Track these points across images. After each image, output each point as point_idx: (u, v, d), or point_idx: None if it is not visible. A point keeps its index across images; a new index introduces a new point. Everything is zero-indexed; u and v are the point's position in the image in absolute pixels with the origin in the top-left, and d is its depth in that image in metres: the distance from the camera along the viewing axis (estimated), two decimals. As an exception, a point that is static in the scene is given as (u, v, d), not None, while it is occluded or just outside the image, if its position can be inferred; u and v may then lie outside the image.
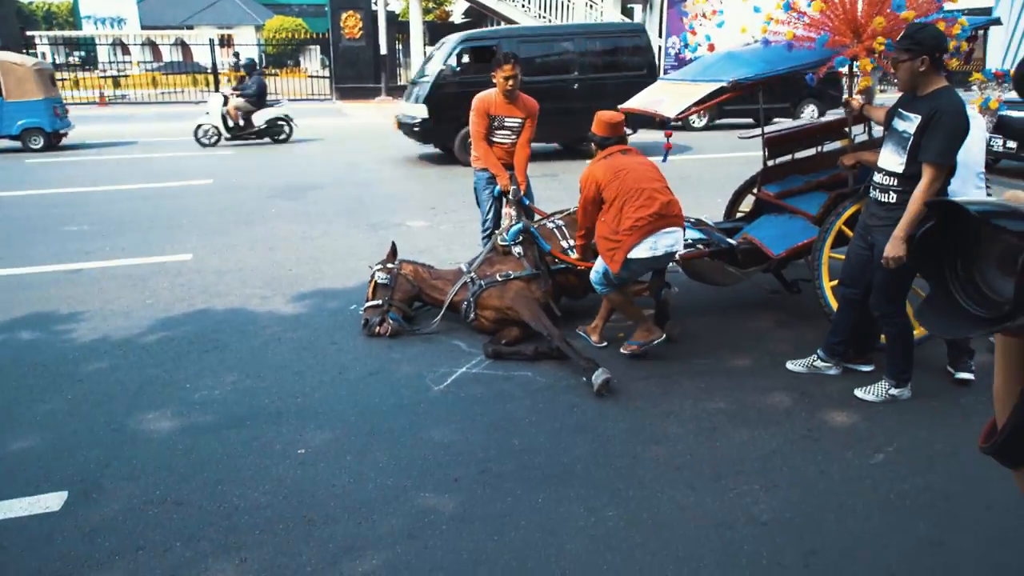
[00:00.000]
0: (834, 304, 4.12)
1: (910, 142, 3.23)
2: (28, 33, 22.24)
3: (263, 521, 2.73)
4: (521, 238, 4.51)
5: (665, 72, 19.58)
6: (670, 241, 3.86)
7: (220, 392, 3.73)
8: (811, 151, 5.24)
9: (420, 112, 10.70)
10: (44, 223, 7.25)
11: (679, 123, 11.60)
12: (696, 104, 4.18)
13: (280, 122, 13.05)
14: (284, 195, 8.69)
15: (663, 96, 4.48)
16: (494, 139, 5.03)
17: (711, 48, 4.66)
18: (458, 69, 10.72)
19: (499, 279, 4.39)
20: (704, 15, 4.75)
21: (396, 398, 3.68)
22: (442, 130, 10.71)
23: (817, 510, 2.80)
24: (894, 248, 3.24)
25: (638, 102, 4.68)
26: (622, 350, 4.17)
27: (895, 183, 3.32)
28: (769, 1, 4.09)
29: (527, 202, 5.00)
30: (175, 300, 5.07)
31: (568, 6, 19.25)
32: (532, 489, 2.93)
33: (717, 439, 3.30)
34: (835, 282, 4.15)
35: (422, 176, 10.30)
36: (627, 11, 21.67)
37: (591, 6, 19.41)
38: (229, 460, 3.13)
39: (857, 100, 4.10)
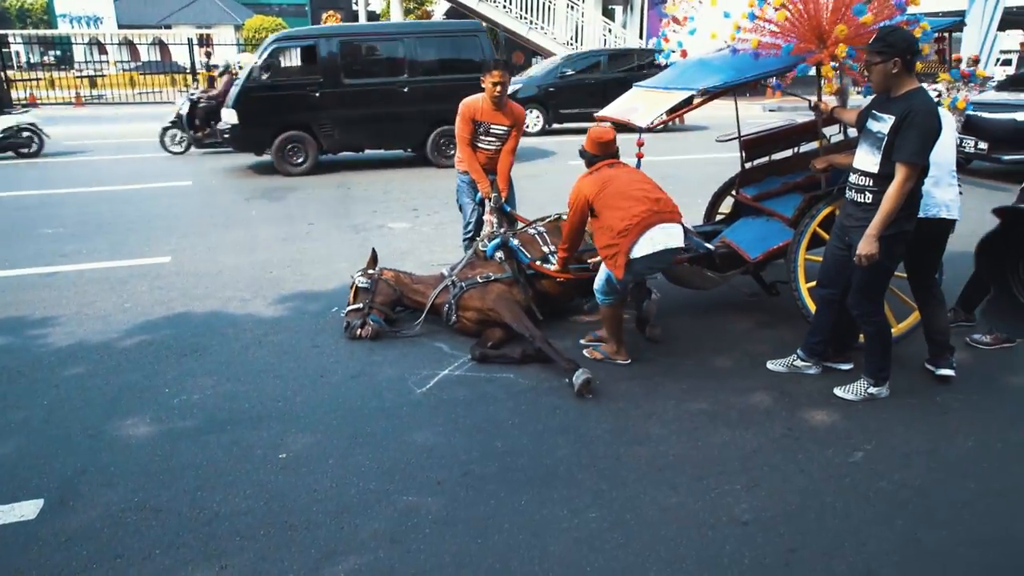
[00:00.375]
0: (811, 305, 4.17)
1: (884, 142, 3.27)
2: (1, 32, 21.83)
3: (244, 527, 2.70)
4: (500, 252, 4.52)
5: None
6: (668, 235, 3.81)
7: (200, 397, 3.70)
8: (788, 152, 5.29)
9: (230, 118, 9.85)
10: (19, 225, 7.13)
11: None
12: (668, 112, 4.23)
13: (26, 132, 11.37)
14: (265, 196, 8.62)
15: (637, 104, 4.51)
16: (479, 145, 4.98)
17: (683, 54, 4.70)
18: (267, 73, 9.73)
19: (480, 281, 4.39)
20: (676, 20, 4.78)
21: (378, 401, 3.66)
22: (255, 137, 10.01)
23: (797, 509, 2.83)
24: (867, 246, 3.28)
25: (613, 110, 4.71)
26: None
27: (870, 183, 3.36)
28: (739, 7, 4.13)
29: (508, 209, 4.99)
30: (154, 303, 5.01)
31: (549, 7, 19.29)
32: (515, 491, 2.93)
33: (699, 439, 3.33)
34: (812, 283, 4.20)
35: (404, 178, 10.26)
36: (608, 12, 21.76)
37: (572, 7, 19.47)
38: (209, 465, 3.09)
39: (826, 104, 4.15)
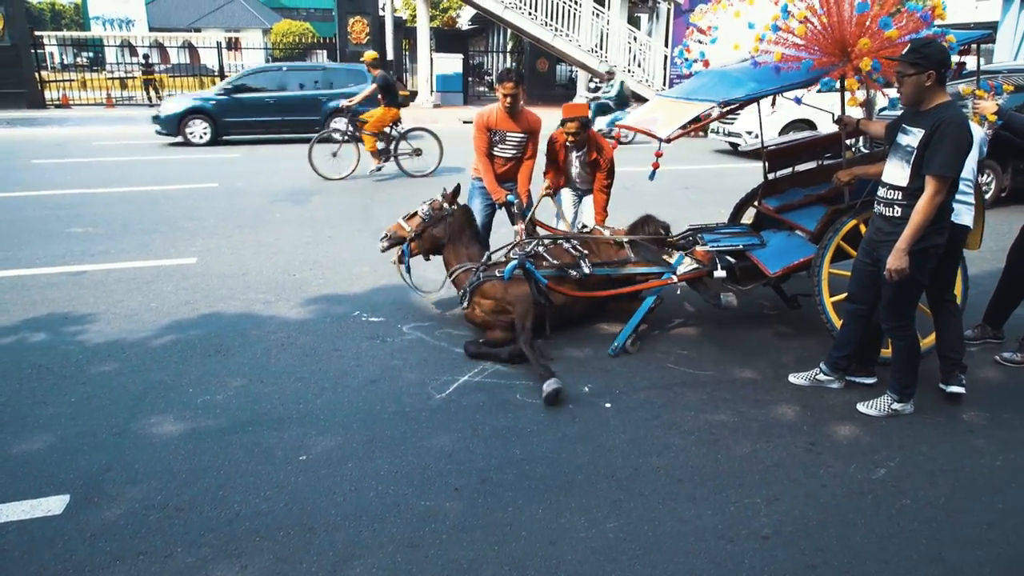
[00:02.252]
0: (835, 319, 4.12)
1: (914, 156, 3.24)
2: (36, 33, 22.31)
3: (264, 528, 2.73)
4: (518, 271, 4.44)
5: (672, 83, 19.60)
6: None
7: (223, 397, 3.74)
8: (812, 164, 5.24)
9: None
10: (49, 224, 7.27)
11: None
12: (688, 124, 4.22)
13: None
14: (289, 199, 8.71)
15: (657, 115, 4.52)
16: (495, 153, 5.09)
17: (706, 64, 4.68)
18: None
19: (497, 274, 4.39)
20: (700, 31, 4.77)
21: (398, 405, 3.68)
22: None
23: (818, 524, 2.80)
24: (896, 260, 3.24)
25: (635, 119, 4.73)
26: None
27: (899, 197, 3.33)
28: (763, 19, 4.11)
29: (528, 213, 5.01)
30: (179, 304, 5.08)
31: (574, 14, 19.31)
32: (533, 499, 2.93)
33: (719, 452, 3.30)
34: (838, 297, 4.16)
35: (428, 181, 10.31)
36: (633, 20, 21.72)
37: (597, 15, 19.46)
38: (231, 466, 3.13)
39: (851, 117, 4.10)
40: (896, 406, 3.62)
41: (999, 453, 3.32)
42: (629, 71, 19.03)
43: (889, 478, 3.11)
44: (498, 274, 4.38)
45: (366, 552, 2.61)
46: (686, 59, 4.90)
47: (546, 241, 4.73)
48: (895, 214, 3.35)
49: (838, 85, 4.11)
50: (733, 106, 4.38)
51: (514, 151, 5.09)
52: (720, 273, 4.54)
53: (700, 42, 4.75)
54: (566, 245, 4.70)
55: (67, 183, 9.50)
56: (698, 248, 4.71)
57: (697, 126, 4.39)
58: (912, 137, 3.26)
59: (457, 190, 4.78)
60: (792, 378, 4.01)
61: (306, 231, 7.18)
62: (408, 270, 4.70)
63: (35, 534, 2.68)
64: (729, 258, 4.60)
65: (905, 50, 3.31)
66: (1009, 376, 4.15)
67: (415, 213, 4.71)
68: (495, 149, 5.07)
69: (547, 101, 20.97)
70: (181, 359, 4.19)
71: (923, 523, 2.82)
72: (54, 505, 2.85)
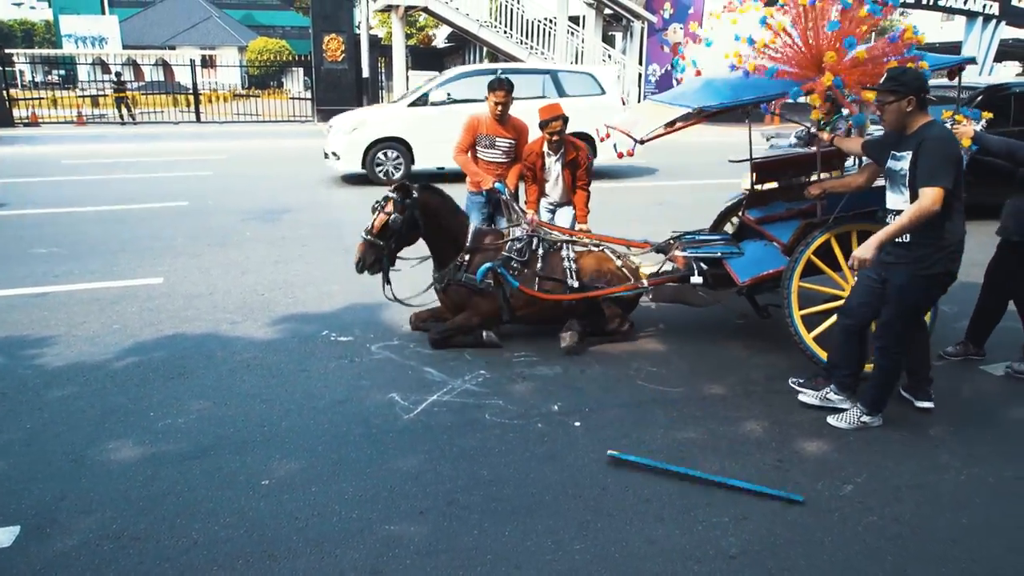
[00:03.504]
0: (804, 332, 4.15)
1: (907, 178, 3.29)
2: (7, 51, 22.02)
3: (222, 556, 2.66)
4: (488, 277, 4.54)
5: (645, 99, 19.81)
6: None
7: (184, 421, 3.66)
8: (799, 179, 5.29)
9: None
10: (11, 245, 7.12)
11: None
12: (665, 127, 4.28)
13: None
14: (260, 217, 8.62)
15: (640, 117, 4.64)
16: (482, 157, 5.28)
17: (697, 73, 4.74)
18: None
19: (479, 285, 4.51)
20: (693, 39, 4.83)
21: (365, 427, 3.62)
22: None
23: (785, 543, 2.78)
24: (864, 250, 3.29)
25: (619, 120, 4.85)
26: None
27: None
28: (750, 31, 4.16)
29: (515, 204, 5.10)
30: (143, 325, 4.98)
31: (550, 33, 19.49)
32: (500, 521, 2.89)
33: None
34: (807, 310, 4.20)
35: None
36: (608, 39, 21.98)
37: (572, 33, 19.67)
38: (190, 492, 3.05)
39: (826, 133, 4.17)
40: (865, 418, 3.64)
41: (963, 468, 3.35)
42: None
43: (856, 494, 3.11)
44: (465, 278, 4.51)
45: (327, 580, 2.55)
46: (678, 65, 4.96)
47: (544, 241, 4.79)
48: (904, 239, 3.37)
49: (805, 98, 4.17)
50: (709, 114, 4.42)
51: (503, 155, 5.28)
52: (696, 279, 4.57)
53: (693, 46, 4.79)
54: (563, 253, 4.76)
55: (33, 202, 9.32)
56: (676, 253, 4.74)
57: (673, 129, 4.45)
58: (903, 161, 3.33)
59: (405, 186, 4.50)
60: (802, 397, 3.93)
61: (275, 250, 7.10)
62: (389, 281, 4.56)
63: (-18, 568, 2.59)
64: (703, 264, 4.64)
65: (883, 79, 3.38)
66: (973, 390, 4.19)
67: (384, 223, 4.40)
68: (484, 154, 5.28)
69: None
70: (143, 382, 4.10)
71: (889, 540, 2.82)
72: (3, 537, 2.75)
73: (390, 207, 4.40)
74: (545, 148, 5.15)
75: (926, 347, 3.88)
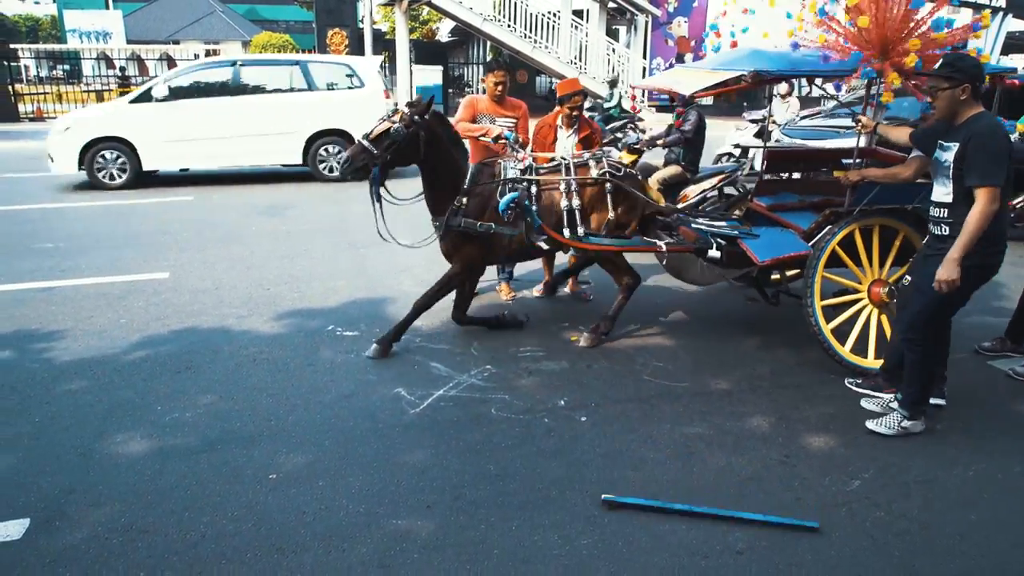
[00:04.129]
0: (822, 321, 4.12)
1: (951, 170, 3.24)
2: (11, 46, 22.05)
3: (230, 550, 2.66)
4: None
5: (651, 94, 19.76)
6: None
7: (192, 415, 3.67)
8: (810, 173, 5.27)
9: None
10: (18, 240, 7.13)
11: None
12: (715, 87, 4.29)
13: None
14: (265, 212, 8.62)
15: (680, 78, 4.61)
16: (484, 137, 5.14)
17: (734, 45, 4.71)
18: None
19: (479, 228, 4.38)
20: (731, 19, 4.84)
21: (371, 421, 3.63)
22: None
23: (792, 539, 2.78)
24: (946, 271, 3.18)
25: (653, 81, 4.85)
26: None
27: (945, 215, 3.32)
28: (798, 8, 4.16)
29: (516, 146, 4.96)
30: (150, 319, 4.99)
31: (553, 27, 19.43)
32: (506, 515, 2.89)
33: (694, 465, 3.28)
34: (828, 301, 4.18)
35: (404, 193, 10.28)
36: (612, 33, 21.91)
37: (576, 27, 19.60)
38: (198, 486, 3.06)
39: (868, 119, 4.11)
40: (906, 423, 3.52)
41: (972, 463, 3.34)
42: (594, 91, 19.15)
43: (863, 490, 3.11)
44: (464, 223, 4.35)
45: (335, 573, 2.56)
46: (712, 43, 4.95)
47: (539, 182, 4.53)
48: (943, 232, 3.33)
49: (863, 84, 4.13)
50: (761, 80, 4.41)
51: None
52: (714, 253, 4.54)
53: (734, 25, 4.78)
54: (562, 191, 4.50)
55: (38, 197, 9.34)
56: (683, 228, 4.72)
57: (722, 89, 4.45)
58: (948, 152, 3.26)
59: (431, 101, 4.34)
60: (864, 403, 3.83)
61: (281, 244, 7.10)
62: (379, 199, 4.34)
63: (-8, 560, 2.60)
64: (720, 240, 4.61)
65: (937, 65, 3.34)
66: (981, 386, 4.18)
67: (386, 130, 4.14)
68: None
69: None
70: (150, 376, 4.11)
71: (896, 535, 2.81)
72: (13, 530, 2.76)
73: (397, 118, 4.21)
74: (559, 122, 5.17)
75: (946, 344, 3.78)
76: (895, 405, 3.72)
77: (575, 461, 3.30)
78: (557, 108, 5.15)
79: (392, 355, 4.43)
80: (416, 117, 4.19)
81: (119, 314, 5.09)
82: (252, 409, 3.73)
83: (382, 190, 4.35)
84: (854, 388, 4.00)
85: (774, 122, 9.58)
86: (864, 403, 3.84)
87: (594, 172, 4.54)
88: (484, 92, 5.34)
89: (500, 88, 5.14)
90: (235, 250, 6.87)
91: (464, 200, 4.40)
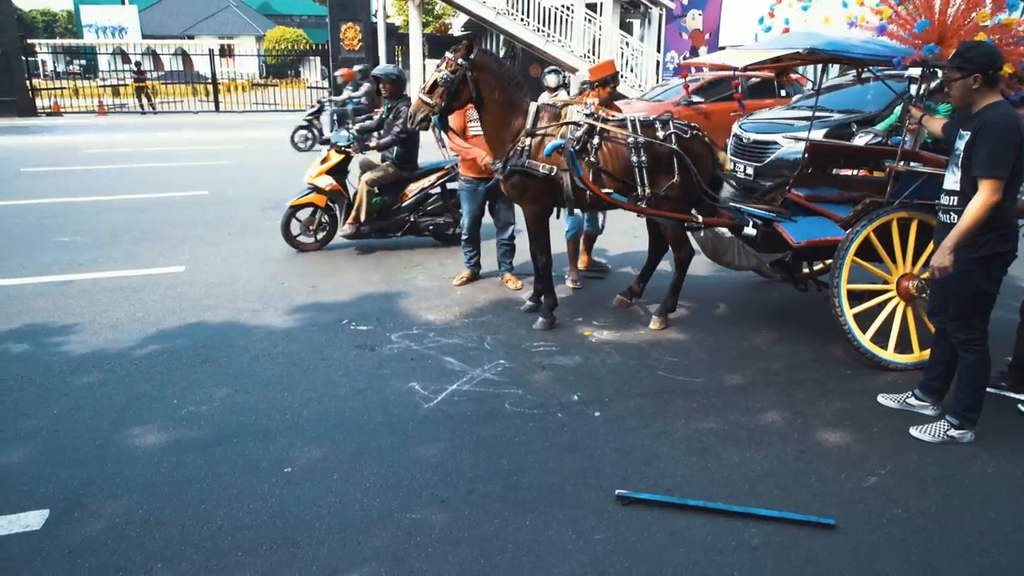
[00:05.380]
0: (847, 307, 4.09)
1: (961, 159, 3.22)
2: (29, 41, 22.27)
3: (246, 542, 2.68)
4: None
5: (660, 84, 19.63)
6: None
7: (208, 408, 3.69)
8: (850, 172, 5.22)
9: None
10: (36, 233, 7.21)
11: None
12: (769, 61, 4.32)
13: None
14: (279, 207, 8.62)
15: (733, 56, 4.67)
16: (477, 132, 5.12)
17: (786, 31, 4.70)
18: None
19: (542, 170, 4.36)
20: (788, 3, 4.81)
21: (385, 415, 3.64)
22: None
23: (808, 535, 2.76)
24: (939, 257, 3.18)
25: (706, 58, 4.91)
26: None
27: (955, 202, 3.30)
28: None
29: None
30: (166, 313, 5.03)
31: (566, 20, 19.34)
32: (520, 510, 2.89)
33: (709, 460, 3.27)
34: (852, 286, 4.15)
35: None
36: (626, 26, 21.78)
37: (589, 21, 19.50)
38: (214, 478, 3.08)
39: (919, 108, 4.06)
40: (954, 432, 3.41)
41: (990, 460, 3.30)
42: (621, 75, 19.05)
43: (880, 486, 3.08)
44: (527, 164, 4.38)
45: (350, 566, 2.57)
46: (764, 24, 4.95)
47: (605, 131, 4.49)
48: (952, 220, 3.29)
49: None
50: (817, 58, 4.43)
51: None
52: (750, 230, 4.54)
53: (791, 7, 4.76)
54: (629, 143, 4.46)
55: (56, 191, 9.43)
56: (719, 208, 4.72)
57: (777, 65, 4.54)
58: (961, 141, 3.24)
59: (471, 40, 4.43)
60: (881, 398, 3.82)
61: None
62: (443, 144, 4.68)
63: (13, 550, 2.63)
64: (758, 220, 4.59)
65: (952, 55, 3.31)
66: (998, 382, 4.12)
67: (435, 81, 4.40)
68: (477, 130, 5.07)
69: (540, 107, 20.93)
70: (166, 369, 4.14)
71: (914, 532, 2.79)
72: (33, 520, 2.79)
73: (444, 65, 4.38)
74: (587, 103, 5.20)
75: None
76: (912, 400, 3.69)
77: (589, 456, 3.29)
78: (588, 91, 5.20)
79: (405, 350, 4.44)
80: (460, 60, 4.31)
81: (135, 308, 5.14)
82: (267, 403, 3.76)
83: (444, 136, 4.74)
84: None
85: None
86: (880, 398, 3.82)
87: (660, 134, 4.50)
88: None
89: None
90: (250, 244, 6.91)
91: (528, 141, 4.41)
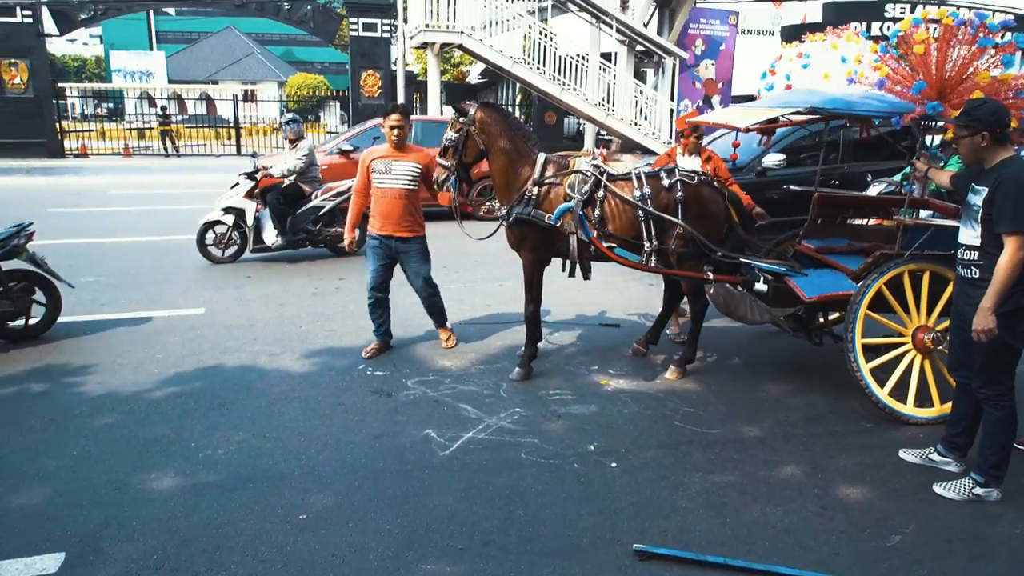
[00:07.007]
0: (863, 361, 4.06)
1: (980, 214, 3.23)
2: (59, 85, 23.01)
3: (261, 591, 2.66)
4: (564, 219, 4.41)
5: (678, 137, 19.85)
6: None
7: (225, 452, 3.70)
8: (859, 221, 5.25)
9: None
10: (61, 273, 7.31)
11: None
12: (769, 121, 4.39)
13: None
14: (295, 253, 8.76)
15: (734, 115, 4.72)
16: (380, 185, 4.87)
17: (788, 87, 4.78)
18: None
19: (546, 221, 4.39)
20: (789, 59, 4.93)
21: (401, 463, 3.63)
22: None
23: (831, 595, 2.71)
24: (981, 320, 3.15)
25: (707, 117, 5.00)
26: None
27: (975, 257, 3.29)
28: (856, 53, 4.24)
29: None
30: (185, 355, 5.08)
31: (581, 69, 19.72)
32: (536, 564, 2.86)
33: (727, 515, 3.22)
34: (868, 340, 4.12)
35: (433, 235, 10.38)
36: (640, 75, 22.17)
37: (604, 69, 19.88)
38: (230, 524, 3.08)
39: (924, 162, 4.10)
40: (980, 491, 3.34)
41: (1018, 520, 3.23)
42: (636, 124, 19.33)
43: (904, 546, 3.02)
44: (533, 213, 4.43)
45: (364, 618, 2.54)
46: (766, 81, 5.04)
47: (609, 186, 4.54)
48: (973, 275, 3.29)
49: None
50: (819, 117, 4.51)
51: (404, 183, 4.86)
52: (761, 286, 4.55)
53: (791, 62, 4.87)
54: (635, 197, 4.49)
55: (81, 232, 9.62)
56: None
57: (774, 125, 4.67)
58: (978, 196, 3.25)
59: (461, 107, 4.54)
60: (903, 453, 3.76)
61: (314, 281, 7.21)
62: (457, 208, 4.78)
63: (28, 595, 2.63)
64: (768, 276, 4.59)
65: (959, 112, 3.35)
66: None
67: (444, 146, 4.57)
68: (382, 180, 4.86)
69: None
70: (184, 412, 4.17)
71: (940, 594, 2.73)
72: (49, 563, 2.80)
73: (450, 127, 4.58)
74: (679, 151, 5.50)
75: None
76: (935, 456, 3.63)
77: (606, 508, 3.26)
78: (679, 142, 5.50)
79: (421, 396, 4.45)
80: (461, 119, 4.51)
81: (155, 349, 5.19)
82: (284, 448, 3.76)
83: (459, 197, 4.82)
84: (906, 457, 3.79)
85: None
86: (902, 453, 3.77)
87: (665, 183, 4.55)
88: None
89: (396, 133, 4.79)
90: (269, 287, 6.99)
91: (535, 190, 4.48)
